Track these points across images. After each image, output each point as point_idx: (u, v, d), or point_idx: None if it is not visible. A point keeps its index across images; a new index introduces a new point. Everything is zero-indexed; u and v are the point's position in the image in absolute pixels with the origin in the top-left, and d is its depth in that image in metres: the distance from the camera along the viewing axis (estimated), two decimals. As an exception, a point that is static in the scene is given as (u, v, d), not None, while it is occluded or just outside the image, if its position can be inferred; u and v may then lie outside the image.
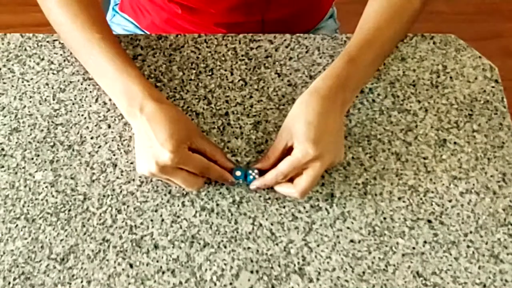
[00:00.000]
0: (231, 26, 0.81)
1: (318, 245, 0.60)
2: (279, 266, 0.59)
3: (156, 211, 0.61)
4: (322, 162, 0.57)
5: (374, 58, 0.64)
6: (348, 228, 0.61)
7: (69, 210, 0.61)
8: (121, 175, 0.63)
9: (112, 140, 0.65)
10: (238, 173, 0.61)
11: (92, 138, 0.66)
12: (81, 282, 0.58)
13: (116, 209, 0.62)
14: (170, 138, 0.56)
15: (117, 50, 0.62)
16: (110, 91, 0.63)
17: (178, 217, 0.61)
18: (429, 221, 0.62)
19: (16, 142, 0.65)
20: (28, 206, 0.61)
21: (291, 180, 0.60)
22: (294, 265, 0.59)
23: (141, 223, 0.61)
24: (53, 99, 0.68)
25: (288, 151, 0.60)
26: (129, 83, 0.60)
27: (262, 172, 0.61)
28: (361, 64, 0.62)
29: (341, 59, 0.62)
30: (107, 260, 0.59)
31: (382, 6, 0.65)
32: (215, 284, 0.58)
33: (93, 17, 0.63)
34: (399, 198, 0.63)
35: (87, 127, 0.66)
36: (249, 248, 0.60)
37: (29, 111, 0.67)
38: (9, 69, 0.70)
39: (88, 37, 0.62)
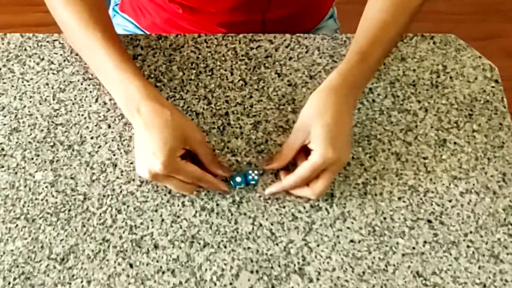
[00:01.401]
0: (231, 26, 0.81)
1: (318, 245, 0.60)
2: (279, 266, 0.59)
3: (156, 211, 0.61)
4: (339, 164, 0.59)
5: (383, 54, 0.65)
6: (348, 228, 0.61)
7: (69, 210, 0.61)
8: (121, 175, 0.63)
9: (112, 140, 0.65)
10: (238, 179, 0.61)
11: (92, 138, 0.65)
12: (81, 282, 0.58)
13: (116, 209, 0.62)
14: (163, 147, 0.56)
15: (118, 50, 0.62)
16: (111, 90, 0.64)
17: (178, 217, 0.61)
18: (429, 221, 0.62)
19: (16, 142, 0.65)
20: (28, 206, 0.61)
21: None
22: (294, 265, 0.59)
23: (141, 223, 0.61)
24: (53, 99, 0.68)
25: (301, 148, 0.60)
26: (127, 82, 0.60)
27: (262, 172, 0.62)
28: (372, 60, 0.63)
29: (355, 55, 0.62)
30: (107, 260, 0.59)
31: (387, 4, 0.65)
32: (215, 284, 0.58)
33: (96, 17, 0.64)
34: (399, 198, 0.63)
35: (87, 127, 0.66)
36: (249, 248, 0.60)
37: (29, 111, 0.67)
38: (9, 69, 0.70)
39: (91, 36, 0.62)
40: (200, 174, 0.60)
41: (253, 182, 0.62)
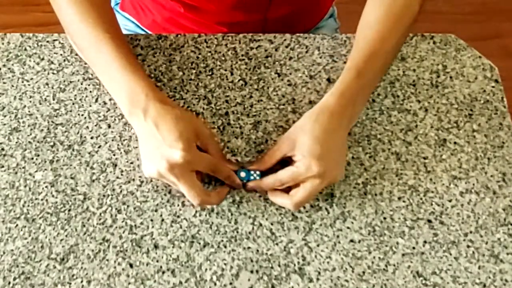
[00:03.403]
0: (232, 25, 0.81)
1: (318, 245, 0.60)
2: (279, 266, 0.59)
3: (156, 211, 0.61)
4: (323, 179, 0.57)
5: (381, 69, 0.64)
6: (348, 228, 0.61)
7: (69, 210, 0.61)
8: (121, 175, 0.63)
9: (112, 140, 0.65)
10: (242, 174, 0.61)
11: (92, 138, 0.66)
12: (81, 282, 0.58)
13: (116, 209, 0.62)
14: (179, 138, 0.56)
15: (125, 50, 0.62)
16: (113, 91, 0.63)
17: (178, 217, 0.61)
18: (429, 221, 0.62)
19: (16, 142, 0.65)
20: (28, 206, 0.61)
21: (287, 190, 0.60)
22: (294, 265, 0.59)
23: (141, 223, 0.61)
24: (53, 99, 0.68)
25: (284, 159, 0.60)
26: (133, 83, 0.60)
27: (262, 174, 0.62)
28: (369, 77, 0.62)
29: (350, 74, 0.61)
30: (107, 260, 0.59)
31: (383, 15, 0.64)
32: (215, 284, 0.58)
33: (102, 17, 0.63)
34: (399, 198, 0.63)
35: (87, 127, 0.66)
36: (249, 248, 0.60)
37: (29, 111, 0.67)
38: (9, 69, 0.70)
39: (97, 35, 0.62)
40: (217, 163, 0.60)
41: (253, 182, 0.62)
